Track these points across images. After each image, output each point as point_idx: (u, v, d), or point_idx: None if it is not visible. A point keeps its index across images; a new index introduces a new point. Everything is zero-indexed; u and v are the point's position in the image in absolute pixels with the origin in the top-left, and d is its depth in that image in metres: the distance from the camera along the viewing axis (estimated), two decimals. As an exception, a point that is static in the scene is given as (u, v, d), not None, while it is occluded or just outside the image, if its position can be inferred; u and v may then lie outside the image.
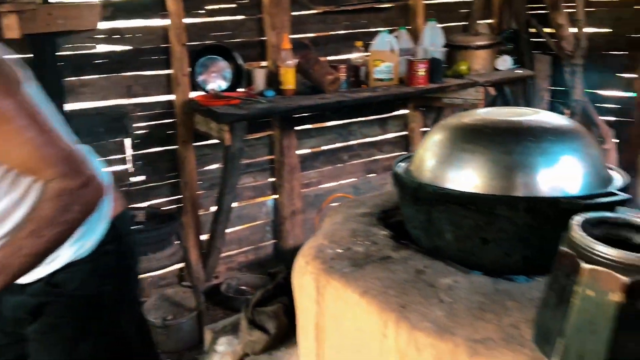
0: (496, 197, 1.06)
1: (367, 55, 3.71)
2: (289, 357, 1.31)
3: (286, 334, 1.27)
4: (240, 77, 3.55)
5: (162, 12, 3.28)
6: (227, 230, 3.61)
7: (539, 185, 1.09)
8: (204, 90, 3.42)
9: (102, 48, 3.20)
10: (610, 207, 1.06)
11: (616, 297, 0.71)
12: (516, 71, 4.07)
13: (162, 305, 3.26)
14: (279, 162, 3.80)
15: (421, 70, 3.61)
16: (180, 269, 3.57)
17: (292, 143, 3.82)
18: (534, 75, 4.06)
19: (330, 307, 1.10)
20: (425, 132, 4.33)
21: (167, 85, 3.40)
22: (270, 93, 3.46)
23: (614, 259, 0.72)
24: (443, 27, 4.14)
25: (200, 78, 3.46)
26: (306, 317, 1.20)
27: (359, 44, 3.75)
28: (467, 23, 4.34)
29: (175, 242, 3.10)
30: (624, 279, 0.71)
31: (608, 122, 3.89)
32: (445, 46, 3.96)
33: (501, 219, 1.06)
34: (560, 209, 1.03)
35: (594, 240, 0.74)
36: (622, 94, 3.92)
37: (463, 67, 3.95)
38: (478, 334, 0.87)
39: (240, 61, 3.52)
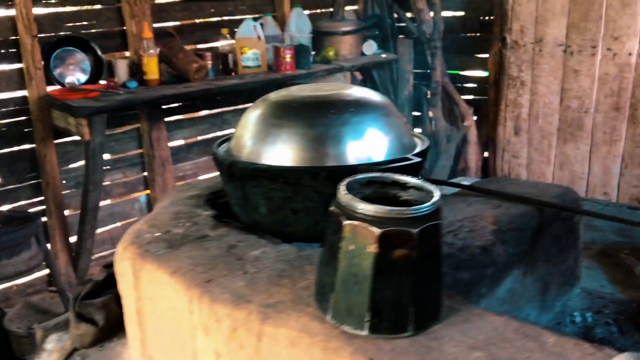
0: (299, 168, 1.08)
1: (234, 43, 3.68)
2: (121, 348, 1.28)
3: (119, 325, 1.24)
4: (100, 69, 3.41)
5: (8, 2, 3.08)
6: (98, 230, 3.48)
7: (344, 155, 1.12)
8: (61, 84, 3.26)
9: (-61, 42, 2.95)
10: (406, 170, 1.12)
11: (372, 248, 0.74)
12: (382, 56, 4.19)
13: (26, 314, 3.10)
14: (149, 155, 3.70)
15: (288, 57, 3.63)
16: (49, 274, 3.40)
17: (162, 135, 3.72)
18: (397, 59, 4.20)
19: (147, 291, 1.08)
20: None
21: (20, 80, 3.20)
22: (133, 84, 3.35)
23: (368, 213, 0.75)
24: (310, 14, 4.20)
25: (56, 71, 3.29)
26: (128, 304, 1.17)
27: (225, 31, 3.72)
28: (332, 9, 4.40)
29: (37, 246, 2.94)
30: (377, 230, 0.75)
31: (467, 101, 4.10)
32: (312, 32, 4.00)
33: (307, 189, 1.08)
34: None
35: (354, 198, 0.77)
36: (480, 73, 4.15)
37: (330, 53, 4.02)
38: (272, 299, 0.88)
39: (99, 52, 3.38)
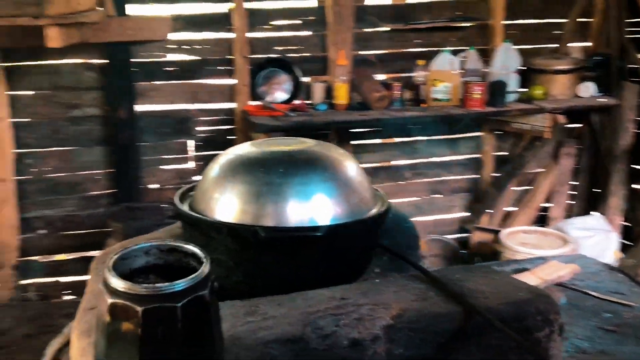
0: (207, 221, 1.12)
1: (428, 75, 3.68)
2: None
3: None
4: (298, 90, 3.73)
5: (227, 26, 3.59)
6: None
7: (283, 214, 1.13)
8: (262, 100, 3.67)
9: (172, 57, 3.59)
10: (306, 240, 1.08)
11: (132, 325, 0.78)
12: (599, 100, 3.73)
13: None
14: (334, 173, 3.91)
15: (476, 93, 3.50)
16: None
17: (348, 156, 3.90)
18: (618, 105, 3.69)
19: None
20: (496, 156, 4.16)
21: (231, 94, 3.70)
22: (323, 107, 3.61)
23: (127, 291, 0.79)
24: (529, 49, 3.96)
25: (261, 89, 3.71)
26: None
27: (421, 62, 3.73)
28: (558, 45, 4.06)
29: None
30: (137, 308, 0.78)
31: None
32: (520, 69, 3.78)
33: (215, 242, 1.13)
34: (260, 237, 1.08)
35: (113, 275, 0.80)
36: None
37: (538, 92, 3.74)
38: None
39: (299, 74, 3.70)
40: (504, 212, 4.25)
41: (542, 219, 4.17)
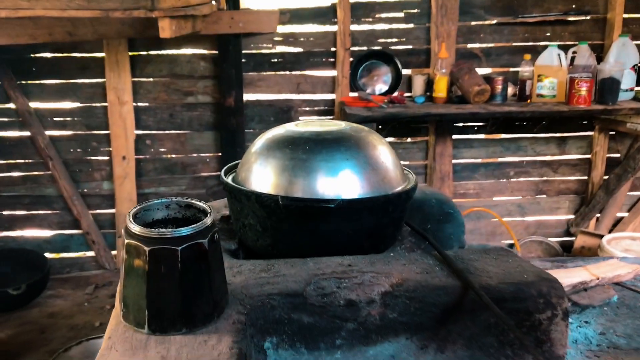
0: (242, 190, 1.24)
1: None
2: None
3: None
4: (398, 83, 3.79)
5: (332, 18, 3.72)
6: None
7: (313, 187, 1.23)
8: (359, 92, 3.77)
9: (278, 49, 3.79)
10: (320, 211, 1.17)
11: (142, 261, 0.92)
12: None
13: None
14: (431, 167, 3.93)
15: (583, 90, 3.35)
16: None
17: (447, 151, 3.90)
18: None
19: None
20: (608, 157, 3.94)
21: (332, 85, 3.84)
22: (421, 99, 3.64)
23: (139, 233, 0.93)
24: None
25: (361, 81, 3.81)
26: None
27: (527, 57, 3.63)
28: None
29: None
30: (145, 247, 0.92)
31: None
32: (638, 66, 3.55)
33: (247, 208, 1.25)
34: (280, 205, 1.18)
35: (131, 220, 0.95)
36: None
37: (656, 90, 3.50)
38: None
39: (399, 67, 3.76)
40: (614, 218, 4.01)
41: (658, 228, 3.89)
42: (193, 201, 1.03)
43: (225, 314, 1.00)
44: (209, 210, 0.99)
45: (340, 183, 1.22)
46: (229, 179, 1.33)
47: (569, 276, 1.60)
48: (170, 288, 0.93)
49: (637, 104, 3.38)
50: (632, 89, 3.52)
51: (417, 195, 1.53)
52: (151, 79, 3.72)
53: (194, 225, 0.94)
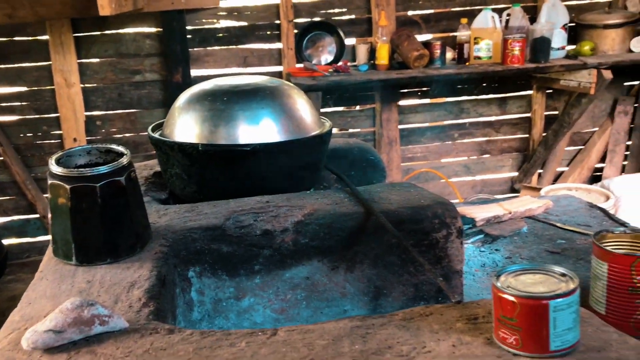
0: (166, 141, 1.34)
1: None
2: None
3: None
4: (342, 52, 3.88)
5: (274, -9, 3.79)
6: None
7: (226, 134, 1.33)
8: (305, 62, 3.85)
9: (223, 23, 3.84)
10: (238, 155, 1.27)
11: (64, 199, 1.02)
12: (653, 54, 3.60)
13: None
14: (379, 134, 4.05)
15: (516, 49, 3.50)
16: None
17: (393, 116, 4.03)
18: (669, 59, 3.55)
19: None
20: (547, 115, 4.12)
21: (279, 57, 3.91)
22: (364, 67, 3.75)
23: (61, 174, 1.02)
24: (583, 4, 3.90)
25: (307, 52, 3.90)
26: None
27: (464, 20, 3.76)
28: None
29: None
30: (67, 186, 1.02)
31: None
32: (572, 25, 3.72)
33: (172, 159, 1.35)
34: (200, 151, 1.29)
35: (53, 162, 1.04)
36: None
37: (585, 48, 3.68)
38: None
39: (342, 37, 3.85)
40: (555, 172, 4.21)
41: (596, 179, 4.10)
42: (112, 146, 1.12)
43: (148, 247, 1.11)
44: (126, 153, 1.09)
45: (258, 130, 1.33)
46: (156, 135, 1.43)
47: (484, 211, 1.74)
48: (92, 222, 1.03)
49: (568, 61, 3.55)
50: (563, 48, 3.69)
51: (342, 145, 1.66)
52: (97, 60, 3.74)
53: (111, 164, 1.03)
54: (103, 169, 1.02)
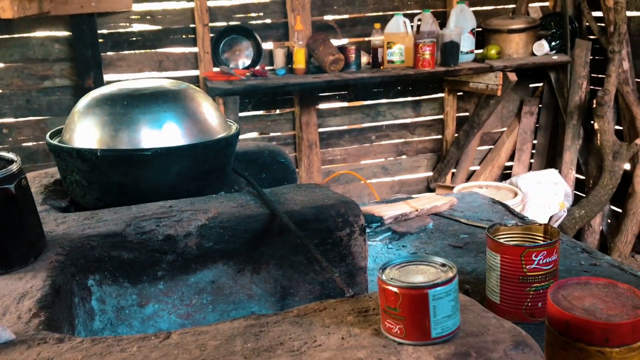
0: (64, 147, 1.31)
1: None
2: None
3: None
4: (259, 56, 3.88)
5: (188, -5, 3.74)
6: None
7: (126, 138, 1.31)
8: (221, 66, 3.82)
9: (136, 27, 3.76)
10: (138, 159, 1.26)
11: None
12: (553, 57, 3.81)
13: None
14: (299, 137, 4.08)
15: (427, 53, 3.61)
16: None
17: (312, 120, 4.06)
18: (569, 62, 3.77)
19: None
20: (459, 116, 4.28)
21: (195, 61, 3.86)
22: (282, 72, 3.76)
23: None
24: (489, 10, 4.07)
25: (224, 55, 3.87)
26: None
27: (377, 25, 3.86)
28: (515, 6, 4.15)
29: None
30: None
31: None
32: (476, 29, 3.88)
33: (71, 165, 1.31)
34: (99, 157, 1.26)
35: None
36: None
37: (492, 52, 3.84)
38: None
39: (259, 41, 3.85)
40: (467, 171, 4.38)
41: (506, 177, 4.29)
42: (1, 153, 1.08)
43: (43, 256, 1.07)
44: (16, 160, 1.05)
45: (160, 134, 1.31)
46: (54, 141, 1.38)
47: (391, 209, 1.79)
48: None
49: (476, 64, 3.70)
50: (472, 52, 3.85)
51: (252, 148, 1.66)
52: (2, 65, 3.58)
53: (-1, 171, 1.00)
54: (-12, 176, 0.98)
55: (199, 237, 1.17)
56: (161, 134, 1.32)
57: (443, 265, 0.78)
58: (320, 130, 4.13)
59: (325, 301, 0.86)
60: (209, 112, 1.40)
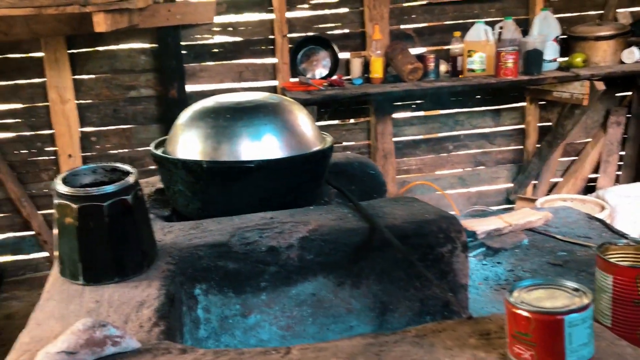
0: (170, 158, 1.34)
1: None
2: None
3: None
4: (336, 66, 3.91)
5: (268, 7, 3.81)
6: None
7: (229, 150, 1.33)
8: (299, 77, 3.86)
9: (218, 39, 3.86)
10: (241, 171, 1.28)
11: (72, 219, 1.01)
12: (644, 65, 3.64)
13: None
14: (374, 147, 4.07)
15: (509, 62, 3.53)
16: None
17: (387, 129, 4.04)
18: (662, 70, 3.59)
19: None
20: (541, 126, 4.16)
21: (273, 72, 3.93)
22: (359, 81, 3.77)
23: (68, 193, 1.02)
24: (574, 17, 3.95)
25: (301, 66, 3.92)
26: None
27: (457, 34, 3.80)
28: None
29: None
30: (74, 206, 1.01)
31: None
32: (561, 37, 3.76)
33: (176, 176, 1.35)
34: (204, 169, 1.29)
35: (59, 182, 1.04)
36: None
37: (577, 60, 3.72)
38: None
39: (337, 51, 3.87)
40: (549, 183, 4.23)
41: (590, 190, 4.12)
42: (117, 164, 1.12)
43: (155, 265, 1.10)
44: (132, 171, 1.09)
45: (260, 146, 1.33)
46: (158, 152, 1.43)
47: (484, 224, 1.75)
48: (99, 241, 1.03)
49: (561, 73, 3.58)
50: (555, 60, 3.73)
51: (341, 159, 1.66)
52: (92, 76, 3.74)
53: (117, 183, 1.03)
54: (110, 188, 1.02)
55: (300, 249, 1.18)
56: (260, 146, 1.34)
57: (576, 289, 0.74)
58: (395, 139, 4.10)
59: (444, 322, 0.84)
60: (305, 124, 1.41)
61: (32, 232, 3.88)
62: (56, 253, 1.08)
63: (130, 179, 1.05)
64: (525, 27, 3.88)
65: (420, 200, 1.33)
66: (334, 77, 3.79)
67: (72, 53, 3.65)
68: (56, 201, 1.03)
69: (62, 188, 1.02)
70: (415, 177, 4.21)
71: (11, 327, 3.41)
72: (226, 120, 1.33)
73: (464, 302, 1.24)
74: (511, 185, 4.28)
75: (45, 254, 3.92)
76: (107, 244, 1.03)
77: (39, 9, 2.74)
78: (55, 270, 1.09)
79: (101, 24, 2.92)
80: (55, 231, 1.06)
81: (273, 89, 3.93)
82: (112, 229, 1.02)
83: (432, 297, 1.23)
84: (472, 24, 3.79)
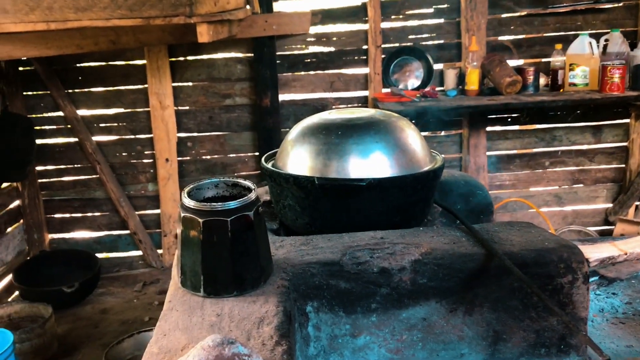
0: (282, 173, 1.36)
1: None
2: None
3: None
4: (430, 77, 3.86)
5: (364, 17, 3.82)
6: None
7: (340, 167, 1.34)
8: (392, 87, 3.84)
9: (311, 49, 3.90)
10: (352, 189, 1.26)
11: (196, 232, 1.04)
12: None
13: None
14: (466, 160, 3.98)
15: (616, 77, 3.37)
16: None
17: (481, 143, 3.95)
18: None
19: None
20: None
21: (365, 82, 3.93)
22: (453, 93, 3.70)
23: (194, 207, 1.05)
24: None
25: (394, 77, 3.90)
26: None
27: (558, 46, 3.66)
28: None
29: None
30: (199, 219, 1.04)
31: None
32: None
33: (286, 190, 1.36)
34: (315, 185, 1.29)
35: (186, 196, 1.07)
36: None
37: (692, 75, 3.49)
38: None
39: (431, 62, 3.83)
40: (654, 205, 3.99)
41: (700, 214, 3.86)
42: (239, 180, 1.14)
43: (270, 280, 1.11)
44: (253, 188, 1.11)
45: (371, 164, 1.32)
46: (269, 165, 1.45)
47: (597, 251, 1.66)
48: (222, 255, 1.05)
49: (669, 89, 3.37)
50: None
51: (447, 178, 1.63)
52: (190, 84, 3.87)
53: (241, 199, 1.05)
54: (233, 203, 1.04)
55: (413, 273, 1.16)
56: (371, 164, 1.33)
57: None
58: (489, 153, 3.99)
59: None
60: (415, 142, 1.39)
61: (128, 231, 4.05)
62: (176, 263, 1.11)
63: (252, 195, 1.07)
64: (633, 39, 3.69)
65: (536, 227, 1.27)
66: (427, 89, 3.73)
67: (173, 61, 3.79)
68: (182, 214, 1.06)
69: (188, 202, 1.05)
70: (508, 192, 4.08)
71: (106, 321, 3.58)
72: (338, 137, 1.33)
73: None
74: (610, 205, 4.07)
75: (140, 252, 4.08)
76: (229, 258, 1.05)
77: (147, 20, 2.86)
78: (175, 279, 1.12)
79: (204, 34, 3.01)
80: (179, 242, 1.09)
81: (364, 100, 3.92)
82: (234, 243, 1.04)
83: (548, 329, 1.17)
84: (575, 36, 3.64)
